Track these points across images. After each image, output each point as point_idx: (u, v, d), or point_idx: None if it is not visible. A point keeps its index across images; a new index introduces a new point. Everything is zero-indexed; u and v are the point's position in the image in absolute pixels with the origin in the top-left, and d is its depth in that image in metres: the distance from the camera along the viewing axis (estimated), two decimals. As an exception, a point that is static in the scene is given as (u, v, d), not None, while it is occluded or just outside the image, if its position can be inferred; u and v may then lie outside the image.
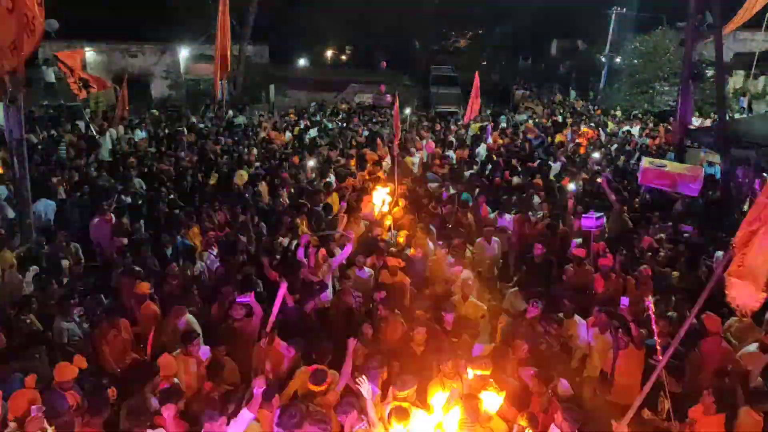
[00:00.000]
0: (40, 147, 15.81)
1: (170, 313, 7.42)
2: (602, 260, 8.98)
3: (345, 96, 34.29)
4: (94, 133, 17.19)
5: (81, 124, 18.87)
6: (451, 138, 19.61)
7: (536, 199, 12.37)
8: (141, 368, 6.54)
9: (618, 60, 33.29)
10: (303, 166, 14.76)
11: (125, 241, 9.54)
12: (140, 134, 18.55)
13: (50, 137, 17.13)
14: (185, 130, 19.57)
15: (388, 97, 31.30)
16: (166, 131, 19.68)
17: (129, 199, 11.60)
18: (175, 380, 6.16)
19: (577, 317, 7.66)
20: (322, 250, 9.07)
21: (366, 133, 21.12)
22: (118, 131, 18.14)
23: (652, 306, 6.02)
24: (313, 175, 14.18)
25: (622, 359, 6.74)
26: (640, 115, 27.37)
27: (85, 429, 5.51)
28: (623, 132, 22.24)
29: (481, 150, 17.79)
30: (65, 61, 15.31)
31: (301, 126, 22.21)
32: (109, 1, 31.35)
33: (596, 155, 17.28)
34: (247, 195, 12.03)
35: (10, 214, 10.38)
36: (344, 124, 23.53)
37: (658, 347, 5.82)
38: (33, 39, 8.73)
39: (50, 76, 26.16)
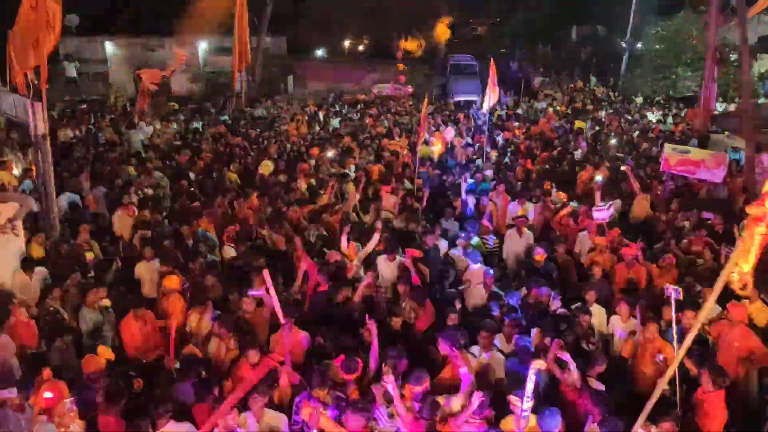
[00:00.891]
0: (76, 141, 15.91)
1: (195, 307, 7.52)
2: (625, 249, 8.91)
3: (363, 86, 34.25)
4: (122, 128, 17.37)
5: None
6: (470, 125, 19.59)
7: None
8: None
9: (639, 45, 32.80)
10: (322, 158, 14.78)
11: (148, 233, 9.64)
12: (172, 127, 18.74)
13: (87, 131, 17.25)
14: (210, 123, 19.71)
15: (408, 88, 31.23)
16: (193, 124, 19.77)
17: (150, 191, 11.72)
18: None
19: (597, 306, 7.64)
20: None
21: (385, 123, 21.12)
22: (154, 124, 18.28)
23: (675, 293, 5.99)
24: (333, 166, 14.21)
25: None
26: (662, 101, 27.00)
27: (101, 417, 5.60)
28: (645, 119, 22.00)
29: (500, 139, 17.72)
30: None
31: (320, 117, 22.29)
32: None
33: (614, 142, 17.11)
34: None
35: (35, 207, 10.53)
36: (362, 115, 23.55)
37: (674, 335, 5.81)
38: (53, 35, 8.84)
39: (72, 71, 26.49)
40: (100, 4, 29.14)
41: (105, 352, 6.40)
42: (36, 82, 9.55)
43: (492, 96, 14.55)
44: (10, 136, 12.97)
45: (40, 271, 8.12)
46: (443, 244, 9.73)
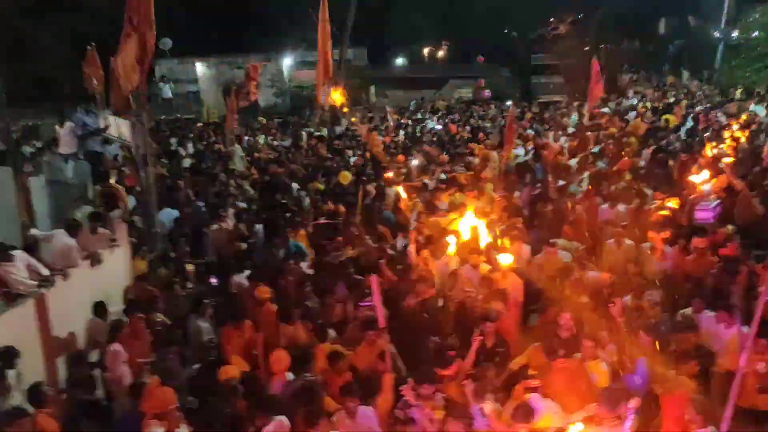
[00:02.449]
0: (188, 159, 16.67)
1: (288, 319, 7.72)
2: (723, 250, 8.43)
3: (443, 92, 34.23)
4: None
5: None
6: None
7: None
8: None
9: (735, 34, 31.05)
10: (408, 166, 14.84)
11: (243, 246, 9.96)
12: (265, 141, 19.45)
13: (199, 149, 18.06)
14: (304, 135, 20.25)
15: (487, 92, 30.96)
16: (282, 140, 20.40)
17: (244, 205, 12.13)
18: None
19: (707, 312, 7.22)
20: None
21: (467, 128, 21.02)
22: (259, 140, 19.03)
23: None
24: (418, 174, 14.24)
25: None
26: (763, 93, 25.43)
27: None
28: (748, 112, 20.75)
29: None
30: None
31: (403, 125, 22.45)
32: (215, 17, 33.04)
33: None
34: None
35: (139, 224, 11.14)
36: (444, 121, 23.54)
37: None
38: (148, 58, 9.36)
39: (167, 92, 27.93)
40: (191, 27, 30.56)
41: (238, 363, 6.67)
42: (135, 107, 10.14)
43: (595, 94, 14.00)
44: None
45: (115, 312, 8.14)
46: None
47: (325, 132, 21.85)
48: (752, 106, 21.77)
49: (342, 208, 11.58)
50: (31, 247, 7.91)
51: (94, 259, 8.23)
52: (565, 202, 11.05)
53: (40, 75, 26.48)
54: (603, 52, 38.26)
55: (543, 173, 13.48)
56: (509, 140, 13.41)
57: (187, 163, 15.80)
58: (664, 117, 19.45)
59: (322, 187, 13.56)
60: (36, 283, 7.04)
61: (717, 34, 32.41)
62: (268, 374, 6.64)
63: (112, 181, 11.02)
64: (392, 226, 10.82)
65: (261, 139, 19.90)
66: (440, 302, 8.11)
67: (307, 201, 12.58)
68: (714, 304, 7.32)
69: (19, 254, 7.27)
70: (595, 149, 15.34)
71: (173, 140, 18.83)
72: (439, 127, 22.53)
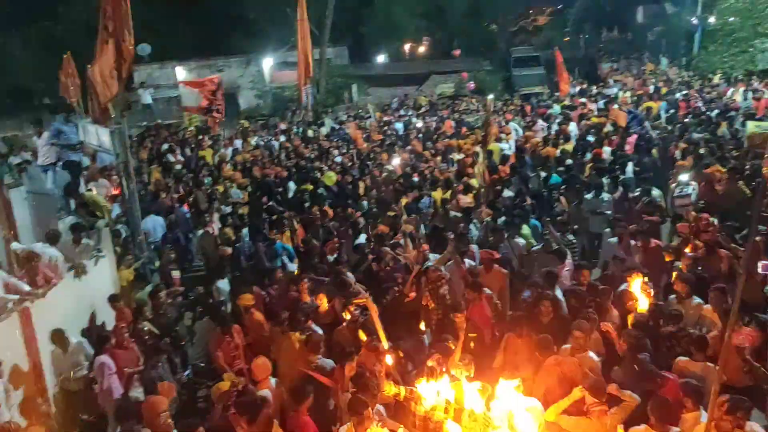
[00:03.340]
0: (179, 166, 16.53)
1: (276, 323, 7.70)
2: (705, 235, 8.50)
3: (425, 88, 34.23)
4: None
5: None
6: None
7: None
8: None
9: (711, 20, 31.30)
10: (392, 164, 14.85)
11: (229, 250, 9.93)
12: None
13: (188, 157, 17.93)
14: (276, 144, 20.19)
15: (471, 85, 31.03)
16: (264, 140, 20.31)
17: (229, 209, 12.08)
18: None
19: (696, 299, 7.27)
20: (425, 246, 9.10)
21: (454, 124, 21.03)
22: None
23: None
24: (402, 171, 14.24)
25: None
26: (741, 77, 25.65)
27: None
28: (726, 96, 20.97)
29: (572, 128, 17.23)
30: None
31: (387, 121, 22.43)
32: (194, 20, 32.82)
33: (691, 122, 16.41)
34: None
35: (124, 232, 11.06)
36: (426, 117, 23.52)
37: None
38: (127, 65, 9.26)
39: (146, 98, 27.70)
40: (170, 31, 30.36)
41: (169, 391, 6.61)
42: (113, 115, 10.04)
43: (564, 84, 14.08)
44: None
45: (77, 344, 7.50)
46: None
47: (311, 132, 21.76)
48: (730, 92, 21.98)
49: (329, 210, 11.56)
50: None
51: (79, 270, 8.16)
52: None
53: (17, 85, 26.22)
54: (582, 42, 38.64)
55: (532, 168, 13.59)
56: (489, 134, 13.34)
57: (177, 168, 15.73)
58: (646, 105, 19.59)
59: (310, 187, 13.54)
60: (16, 297, 6.93)
61: (694, 21, 32.63)
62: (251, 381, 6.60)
63: (95, 191, 10.90)
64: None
65: (253, 141, 19.79)
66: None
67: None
68: (698, 289, 7.40)
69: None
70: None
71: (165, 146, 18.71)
72: (420, 124, 22.53)
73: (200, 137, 20.08)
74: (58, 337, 7.19)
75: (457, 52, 37.18)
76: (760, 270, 6.03)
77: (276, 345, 7.30)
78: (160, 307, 8.27)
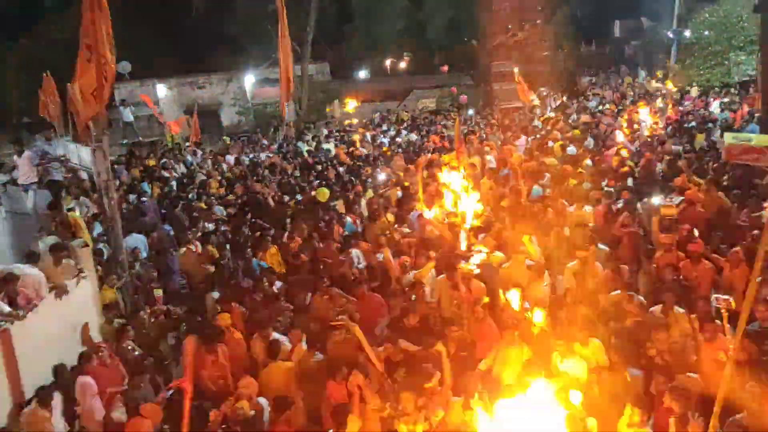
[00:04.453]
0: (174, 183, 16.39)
1: (255, 336, 7.70)
2: (692, 245, 8.61)
3: (407, 103, 34.41)
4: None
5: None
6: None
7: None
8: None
9: (687, 34, 31.89)
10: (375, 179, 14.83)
11: (211, 268, 9.86)
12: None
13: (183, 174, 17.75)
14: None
15: (463, 97, 31.40)
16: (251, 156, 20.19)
17: (212, 226, 12.00)
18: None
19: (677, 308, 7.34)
20: (403, 258, 9.11)
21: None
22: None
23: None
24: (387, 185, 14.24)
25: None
26: (717, 89, 26.11)
27: None
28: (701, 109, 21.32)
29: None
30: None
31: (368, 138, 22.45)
32: (174, 38, 32.82)
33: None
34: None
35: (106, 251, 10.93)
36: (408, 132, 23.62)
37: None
38: (108, 83, 9.20)
39: (128, 116, 27.46)
40: (150, 48, 30.29)
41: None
42: (95, 133, 9.96)
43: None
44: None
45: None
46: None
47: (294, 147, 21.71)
48: (715, 105, 22.23)
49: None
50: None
51: (60, 291, 8.04)
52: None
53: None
54: (562, 56, 39.08)
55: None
56: (459, 150, 13.34)
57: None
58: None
59: (293, 204, 13.48)
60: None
61: (670, 35, 33.20)
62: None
63: (77, 211, 10.77)
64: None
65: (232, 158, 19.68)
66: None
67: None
68: (683, 300, 7.48)
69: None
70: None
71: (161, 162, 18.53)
72: (414, 137, 22.59)
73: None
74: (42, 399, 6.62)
75: (445, 68, 37.46)
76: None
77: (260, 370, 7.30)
78: (142, 326, 8.19)
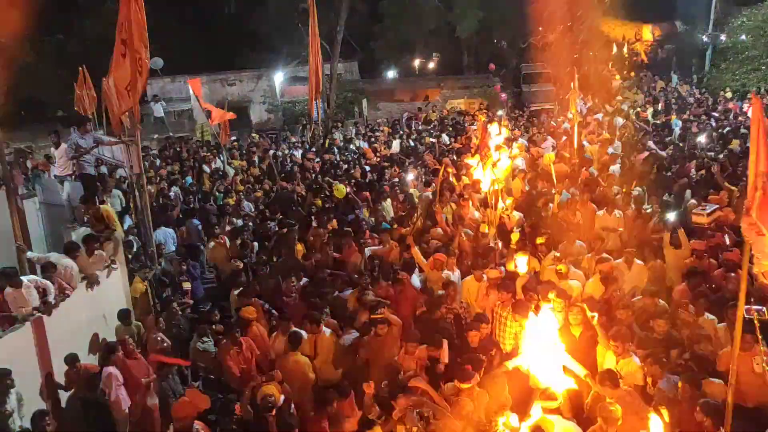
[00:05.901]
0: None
1: (277, 330, 7.78)
2: (728, 254, 8.44)
3: (435, 103, 34.30)
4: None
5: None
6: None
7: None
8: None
9: (723, 38, 31.29)
10: (403, 179, 14.77)
11: (240, 264, 9.94)
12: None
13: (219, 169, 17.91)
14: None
15: (503, 96, 31.31)
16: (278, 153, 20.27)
17: (240, 222, 12.10)
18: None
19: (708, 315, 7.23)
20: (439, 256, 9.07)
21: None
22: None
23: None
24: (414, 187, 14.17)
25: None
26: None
27: None
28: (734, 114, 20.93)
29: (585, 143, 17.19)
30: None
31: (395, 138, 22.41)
32: (206, 35, 33.18)
33: (702, 139, 16.37)
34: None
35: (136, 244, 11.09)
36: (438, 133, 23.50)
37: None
38: (142, 78, 9.34)
39: (159, 111, 27.90)
40: (182, 45, 30.67)
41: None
42: (129, 127, 10.13)
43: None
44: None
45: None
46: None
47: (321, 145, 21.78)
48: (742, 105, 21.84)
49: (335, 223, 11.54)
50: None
51: (91, 281, 8.19)
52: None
53: (30, 97, 26.48)
54: (592, 60, 38.64)
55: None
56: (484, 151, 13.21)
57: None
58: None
59: (319, 202, 13.51)
60: (36, 306, 7.00)
61: (705, 39, 32.59)
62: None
63: (108, 203, 10.96)
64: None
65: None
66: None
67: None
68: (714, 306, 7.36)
69: (27, 278, 7.26)
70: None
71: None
72: (445, 137, 22.44)
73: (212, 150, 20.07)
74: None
75: (492, 66, 37.31)
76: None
77: (279, 362, 7.34)
78: (172, 318, 8.31)
